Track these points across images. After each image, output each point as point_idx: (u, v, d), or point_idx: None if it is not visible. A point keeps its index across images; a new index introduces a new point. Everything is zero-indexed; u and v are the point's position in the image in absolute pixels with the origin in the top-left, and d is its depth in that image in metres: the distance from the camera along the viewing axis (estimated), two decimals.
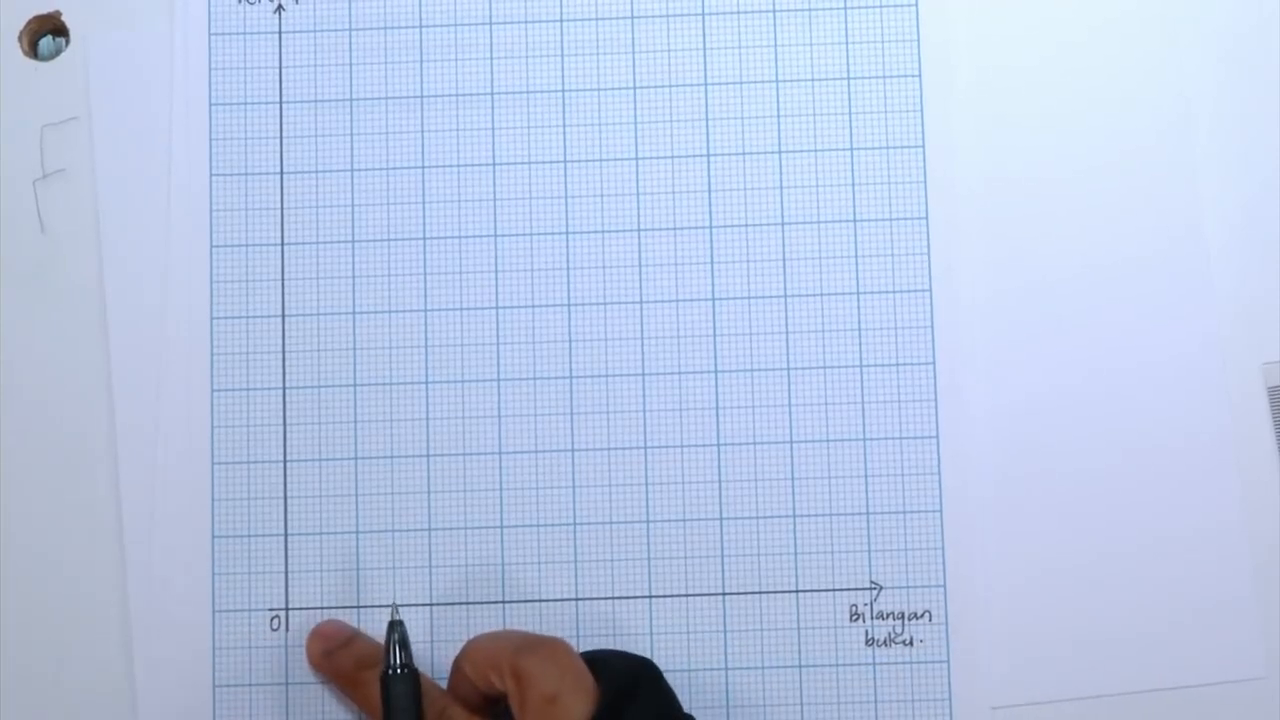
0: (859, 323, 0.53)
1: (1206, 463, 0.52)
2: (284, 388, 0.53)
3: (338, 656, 0.51)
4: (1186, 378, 0.53)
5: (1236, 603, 0.51)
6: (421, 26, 0.54)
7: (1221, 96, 0.54)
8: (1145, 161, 0.54)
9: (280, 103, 0.54)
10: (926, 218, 0.53)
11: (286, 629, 0.52)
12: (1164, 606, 0.51)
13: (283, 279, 0.54)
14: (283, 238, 0.54)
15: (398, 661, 0.49)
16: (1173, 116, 0.54)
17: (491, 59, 0.54)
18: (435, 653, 0.52)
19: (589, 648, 0.51)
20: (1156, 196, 0.53)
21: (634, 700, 0.46)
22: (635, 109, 0.54)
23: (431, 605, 0.52)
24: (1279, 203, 0.53)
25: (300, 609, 0.52)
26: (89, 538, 0.53)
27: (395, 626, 0.49)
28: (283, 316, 0.54)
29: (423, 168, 0.54)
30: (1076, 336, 0.53)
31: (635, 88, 0.54)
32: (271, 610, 0.52)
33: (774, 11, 0.54)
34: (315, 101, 0.54)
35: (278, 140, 0.54)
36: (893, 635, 0.52)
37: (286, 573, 0.53)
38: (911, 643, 0.51)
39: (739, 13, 0.54)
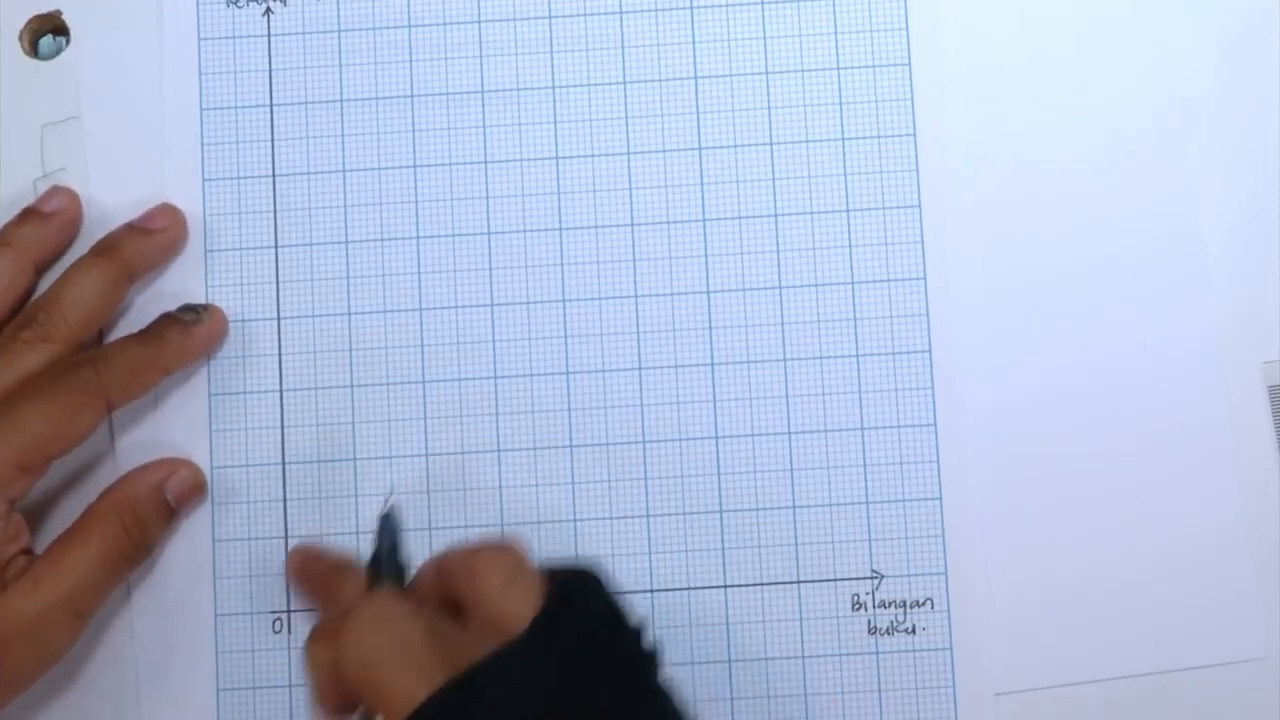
0: (854, 312, 0.53)
1: (1205, 447, 0.52)
2: (281, 390, 0.53)
3: (313, 563, 0.51)
4: (1186, 373, 0.52)
5: (1236, 586, 0.52)
6: (410, 26, 0.54)
7: (1220, 92, 0.54)
8: (1141, 149, 0.53)
9: (271, 105, 0.54)
10: (920, 206, 0.53)
11: (289, 631, 0.52)
12: (1164, 590, 0.51)
13: (277, 281, 0.54)
14: (276, 240, 0.54)
15: (384, 552, 0.46)
16: (1169, 107, 0.54)
17: (481, 57, 0.54)
18: None
19: None
20: (1152, 182, 0.53)
21: (579, 595, 0.45)
22: (626, 103, 0.54)
23: None
24: (1278, 202, 0.53)
25: (302, 611, 0.52)
26: None
27: (383, 518, 0.47)
28: (278, 319, 0.53)
29: (414, 167, 0.54)
30: (1074, 323, 0.53)
31: (625, 82, 0.54)
32: (274, 613, 0.52)
33: (762, 3, 0.54)
34: (305, 103, 0.54)
35: (269, 143, 0.54)
36: (895, 624, 0.52)
37: (288, 576, 0.53)
38: (914, 630, 0.51)
39: (728, 5, 0.54)
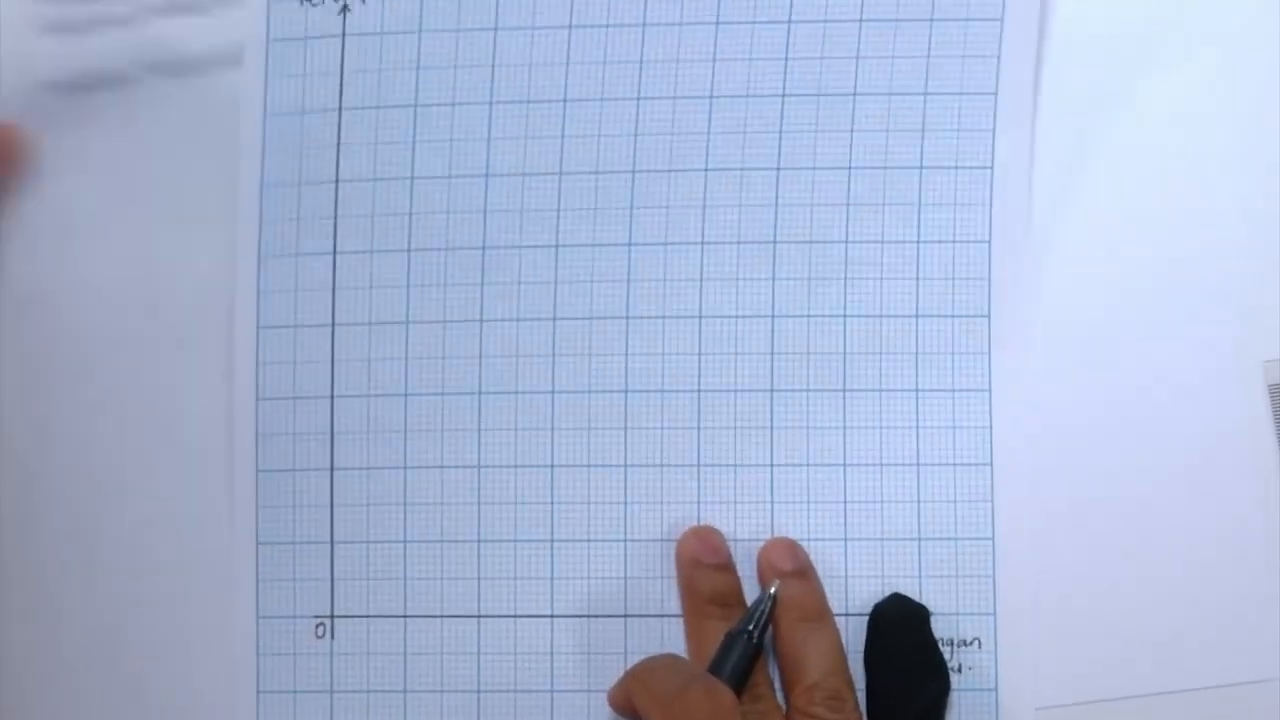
0: (917, 346, 0.52)
1: (1236, 468, 0.52)
2: (332, 396, 0.52)
3: (699, 575, 0.51)
4: (1221, 392, 0.53)
5: (1271, 601, 0.52)
6: (490, 29, 0.51)
7: (1222, 93, 0.53)
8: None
9: (340, 109, 0.51)
10: (989, 241, 0.53)
11: (332, 636, 0.52)
12: (1209, 610, 0.52)
13: (333, 288, 0.52)
14: (335, 247, 0.51)
15: (757, 628, 0.49)
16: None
17: (568, 65, 0.52)
18: (481, 665, 0.52)
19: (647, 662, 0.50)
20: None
21: None
22: (710, 118, 0.52)
23: (479, 617, 0.52)
24: (1279, 202, 0.53)
25: (345, 617, 0.52)
26: (134, 546, 0.51)
27: (771, 599, 0.50)
28: (332, 325, 0.52)
29: (486, 176, 0.52)
30: (1124, 360, 0.53)
31: (713, 97, 0.52)
32: (316, 618, 0.52)
33: (860, 21, 0.52)
34: (378, 108, 0.51)
35: (334, 148, 0.51)
36: None
37: (332, 580, 0.52)
38: (960, 669, 0.52)
39: (825, 21, 0.52)
